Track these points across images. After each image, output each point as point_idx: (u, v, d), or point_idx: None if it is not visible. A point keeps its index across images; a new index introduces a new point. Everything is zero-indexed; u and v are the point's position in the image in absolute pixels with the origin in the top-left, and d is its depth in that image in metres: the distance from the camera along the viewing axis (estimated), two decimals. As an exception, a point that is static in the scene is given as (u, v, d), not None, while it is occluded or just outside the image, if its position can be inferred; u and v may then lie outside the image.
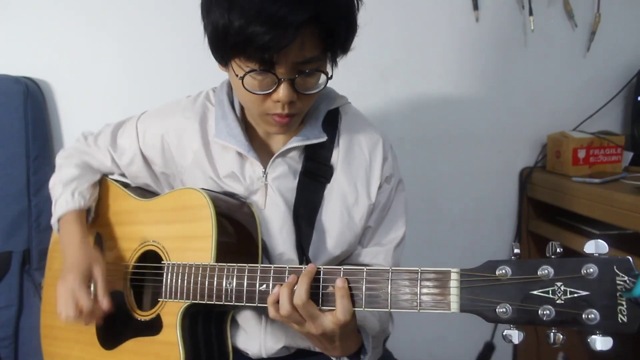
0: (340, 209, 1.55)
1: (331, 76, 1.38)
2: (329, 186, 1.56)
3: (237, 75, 1.32)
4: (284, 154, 1.54)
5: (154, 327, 1.49)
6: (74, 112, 2.30)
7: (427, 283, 1.14)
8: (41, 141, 2.18)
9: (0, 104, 2.12)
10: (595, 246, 0.99)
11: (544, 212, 2.62)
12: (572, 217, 2.39)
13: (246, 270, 1.34)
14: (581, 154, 2.46)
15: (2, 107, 2.12)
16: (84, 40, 2.25)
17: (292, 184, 1.55)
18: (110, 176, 1.78)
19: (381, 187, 1.60)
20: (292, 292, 1.24)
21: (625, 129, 2.69)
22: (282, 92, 1.31)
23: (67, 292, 1.47)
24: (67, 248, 1.57)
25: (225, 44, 1.27)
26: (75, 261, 1.53)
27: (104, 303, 1.49)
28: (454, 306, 1.10)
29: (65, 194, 1.64)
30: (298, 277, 1.24)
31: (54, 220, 1.66)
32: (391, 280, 1.18)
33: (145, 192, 1.73)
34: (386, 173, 1.61)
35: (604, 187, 2.23)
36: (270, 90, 1.32)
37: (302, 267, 1.27)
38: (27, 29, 2.20)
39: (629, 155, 2.53)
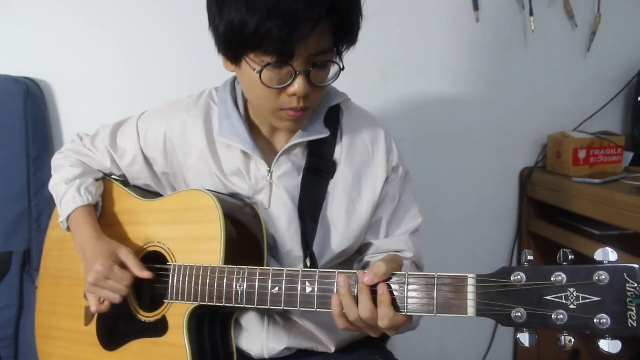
0: (346, 202, 1.56)
1: (343, 67, 1.39)
2: (333, 180, 1.57)
3: (253, 70, 1.32)
4: (287, 151, 1.55)
5: (158, 328, 1.49)
6: (74, 112, 2.29)
7: (444, 287, 1.16)
8: (41, 141, 2.18)
9: (0, 103, 2.11)
10: (604, 254, 1.02)
11: (544, 212, 2.62)
12: (572, 217, 2.39)
13: (257, 273, 1.34)
14: (581, 154, 2.46)
15: (2, 107, 2.11)
16: (84, 40, 2.24)
17: (296, 180, 1.56)
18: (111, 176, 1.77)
19: (388, 178, 1.61)
20: (354, 298, 1.23)
21: (625, 129, 2.70)
22: (298, 84, 1.33)
23: (101, 278, 1.45)
24: (85, 245, 1.55)
25: (241, 39, 1.28)
26: (98, 251, 1.50)
27: (145, 274, 1.48)
28: (470, 310, 1.12)
29: (71, 191, 1.63)
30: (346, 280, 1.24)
31: (62, 219, 1.64)
32: (408, 283, 1.20)
33: (145, 192, 1.72)
34: (392, 164, 1.62)
35: (604, 187, 2.23)
36: (286, 84, 1.34)
37: (315, 271, 1.28)
38: (27, 29, 2.20)
39: (629, 156, 2.54)
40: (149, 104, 1.75)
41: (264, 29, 1.23)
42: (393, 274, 1.22)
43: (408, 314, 1.20)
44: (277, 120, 1.46)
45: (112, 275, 1.45)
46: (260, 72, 1.31)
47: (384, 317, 1.19)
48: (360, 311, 1.20)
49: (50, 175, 1.76)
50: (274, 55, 1.29)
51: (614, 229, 2.21)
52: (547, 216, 2.61)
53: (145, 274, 1.48)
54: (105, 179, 1.75)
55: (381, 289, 1.20)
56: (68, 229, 1.64)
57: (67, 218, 1.63)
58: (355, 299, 1.22)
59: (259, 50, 1.29)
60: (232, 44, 1.32)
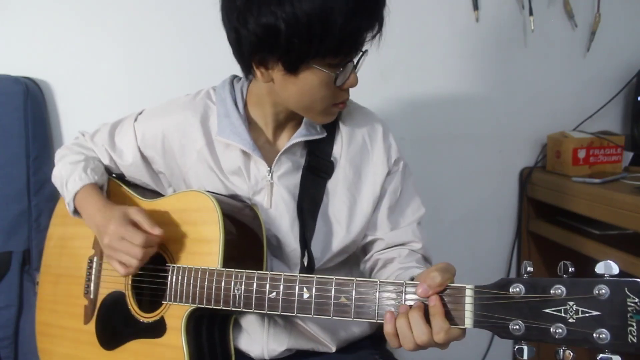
0: (348, 198, 1.57)
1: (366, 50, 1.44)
2: (334, 178, 1.58)
3: (328, 72, 1.36)
4: (288, 150, 1.56)
5: (157, 329, 1.49)
6: (74, 112, 2.29)
7: (442, 298, 1.15)
8: (41, 141, 2.17)
9: (0, 104, 2.10)
10: (606, 267, 1.00)
11: (544, 212, 2.62)
12: (572, 217, 2.39)
13: (255, 277, 1.34)
14: (581, 154, 2.46)
15: (2, 107, 2.10)
16: (84, 40, 2.24)
17: (296, 179, 1.57)
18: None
19: (390, 172, 1.62)
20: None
21: (625, 129, 2.70)
22: (354, 76, 1.42)
23: (116, 240, 1.44)
24: (97, 212, 1.54)
25: (330, 41, 1.30)
26: (110, 214, 1.49)
27: (157, 231, 1.45)
28: (468, 322, 1.12)
29: (77, 171, 1.62)
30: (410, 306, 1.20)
31: (69, 199, 1.62)
32: (405, 292, 1.20)
33: (145, 192, 1.73)
34: (393, 157, 1.63)
35: (604, 187, 2.23)
36: (347, 78, 1.40)
37: (313, 277, 1.28)
38: (27, 29, 2.19)
39: (629, 155, 2.54)
40: (148, 104, 1.75)
41: (355, 33, 1.32)
42: (390, 282, 1.22)
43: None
44: (324, 116, 1.51)
45: (126, 234, 1.43)
46: (338, 74, 1.37)
47: (440, 330, 1.14)
48: (416, 337, 1.17)
49: (50, 175, 1.75)
50: (345, 56, 1.36)
51: (614, 229, 2.22)
52: (547, 216, 2.61)
53: (157, 231, 1.45)
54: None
55: (433, 302, 1.16)
56: (75, 211, 1.63)
57: (74, 198, 1.62)
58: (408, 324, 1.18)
59: (333, 54, 1.34)
60: (311, 46, 1.31)
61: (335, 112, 1.50)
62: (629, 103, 2.66)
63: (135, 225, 1.46)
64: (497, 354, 2.76)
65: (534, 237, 2.66)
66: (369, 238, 1.63)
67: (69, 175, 1.63)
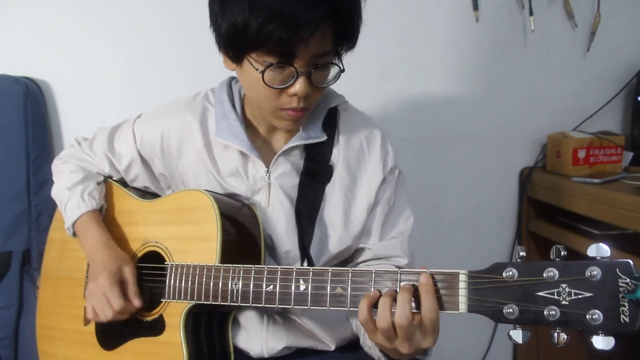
0: (343, 204, 1.57)
1: (343, 69, 1.39)
2: (331, 183, 1.57)
3: (257, 70, 1.33)
4: (286, 152, 1.55)
5: (156, 327, 1.49)
6: (74, 112, 2.29)
7: (436, 284, 1.15)
8: (41, 141, 2.18)
9: (0, 104, 2.11)
10: (598, 249, 1.01)
11: (544, 212, 2.62)
12: (572, 217, 2.39)
13: (252, 272, 1.34)
14: (581, 154, 2.46)
15: (2, 107, 2.11)
16: (84, 40, 2.24)
17: (294, 181, 1.56)
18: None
19: (385, 179, 1.62)
20: (392, 304, 1.18)
21: (625, 129, 2.69)
22: (300, 85, 1.34)
23: (99, 293, 1.48)
24: (94, 251, 1.58)
25: (244, 40, 1.29)
26: (105, 263, 1.53)
27: (136, 302, 1.50)
28: (462, 307, 1.12)
29: (75, 197, 1.64)
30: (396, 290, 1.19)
31: (67, 226, 1.65)
32: (400, 280, 1.19)
33: (144, 193, 1.73)
34: (390, 164, 1.63)
35: (604, 187, 2.23)
36: (288, 84, 1.35)
37: (309, 269, 1.28)
38: (27, 29, 2.20)
39: (629, 155, 2.53)
40: (148, 104, 1.75)
41: (266, 31, 1.24)
42: (386, 271, 1.22)
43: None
44: (276, 119, 1.46)
45: (109, 294, 1.47)
46: (263, 72, 1.32)
47: (432, 309, 1.13)
48: (396, 317, 1.15)
49: (50, 176, 1.77)
50: (276, 56, 1.29)
51: (613, 229, 2.21)
52: (547, 216, 2.61)
53: (136, 302, 1.51)
54: (105, 180, 1.75)
55: (425, 279, 1.15)
56: (74, 234, 1.66)
57: (73, 224, 1.64)
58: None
59: (261, 50, 1.30)
60: (235, 43, 1.33)
61: (286, 118, 1.44)
62: (629, 103, 2.65)
63: (123, 283, 1.52)
64: (497, 355, 2.76)
65: (534, 237, 2.65)
66: (359, 245, 1.62)
67: (67, 199, 1.65)
